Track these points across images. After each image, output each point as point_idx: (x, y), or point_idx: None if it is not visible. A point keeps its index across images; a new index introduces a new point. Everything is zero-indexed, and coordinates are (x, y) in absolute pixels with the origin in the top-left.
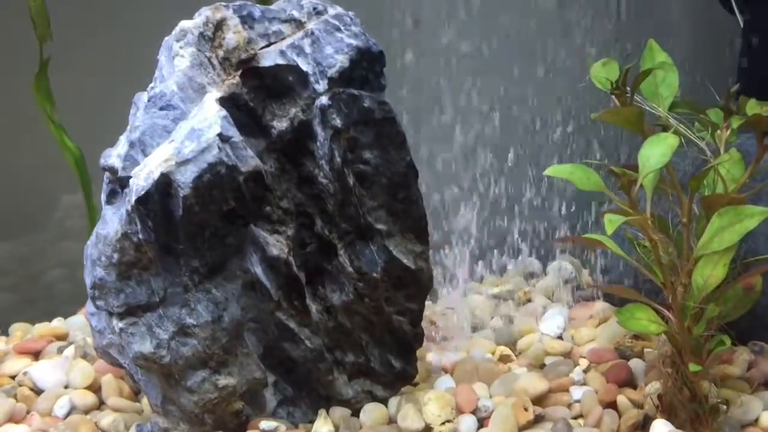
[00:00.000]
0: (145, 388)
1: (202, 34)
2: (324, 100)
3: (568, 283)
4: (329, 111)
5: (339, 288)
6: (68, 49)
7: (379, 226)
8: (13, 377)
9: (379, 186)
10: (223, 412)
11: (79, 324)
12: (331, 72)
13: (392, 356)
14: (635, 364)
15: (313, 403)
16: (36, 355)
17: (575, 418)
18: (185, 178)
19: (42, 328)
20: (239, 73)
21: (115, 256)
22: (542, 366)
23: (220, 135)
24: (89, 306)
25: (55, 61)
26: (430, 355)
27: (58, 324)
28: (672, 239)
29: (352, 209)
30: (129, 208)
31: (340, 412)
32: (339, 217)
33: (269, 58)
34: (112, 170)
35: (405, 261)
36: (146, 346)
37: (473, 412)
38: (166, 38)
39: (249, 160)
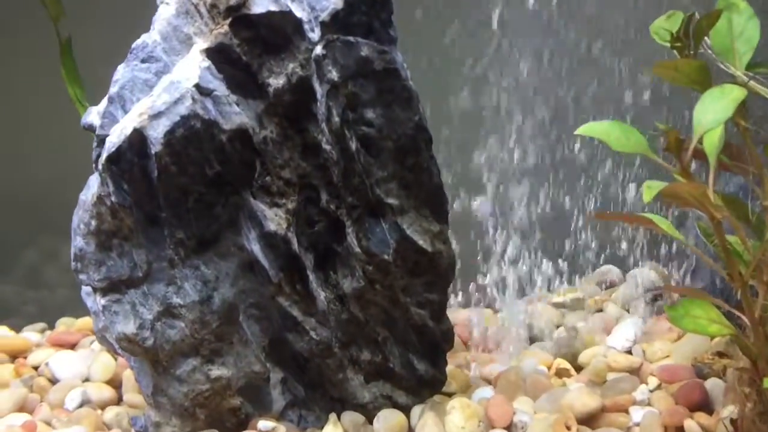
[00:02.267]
0: (137, 376)
1: None
2: (318, 49)
3: (648, 293)
4: (324, 63)
5: (350, 273)
6: (87, 29)
7: (390, 201)
8: (36, 368)
9: (387, 153)
10: (218, 408)
11: None
12: (324, 16)
13: (415, 357)
14: (712, 384)
15: (327, 406)
16: (72, 347)
17: None
18: (157, 133)
19: (83, 321)
20: (228, 21)
21: (93, 222)
22: (604, 383)
23: (197, 86)
24: (83, 290)
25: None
26: (474, 364)
27: (89, 321)
28: (750, 225)
29: (357, 179)
30: (100, 167)
31: (350, 417)
32: (344, 189)
33: (261, 4)
34: (92, 128)
35: (420, 242)
36: (129, 326)
37: (507, 428)
38: None
39: (233, 117)
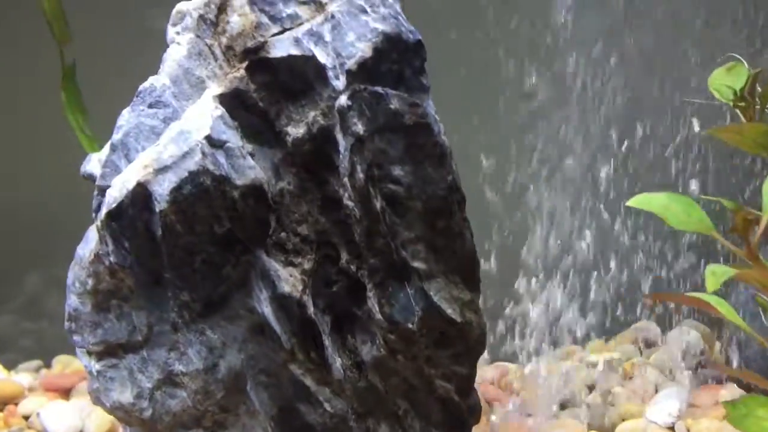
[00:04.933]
0: None
1: (202, 17)
2: (343, 99)
3: (692, 358)
4: (349, 114)
5: (370, 339)
6: (90, 51)
7: (416, 264)
8: (27, 417)
9: (415, 213)
10: None
11: None
12: (350, 64)
13: None
14: None
15: None
16: (66, 392)
17: None
18: (162, 189)
19: (80, 363)
20: (245, 65)
21: (90, 281)
22: None
23: (208, 138)
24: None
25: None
26: None
27: None
28: None
29: (381, 241)
30: (99, 224)
31: None
32: (366, 250)
33: (281, 47)
34: (92, 178)
35: (449, 311)
36: (126, 395)
37: None
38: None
39: (247, 171)
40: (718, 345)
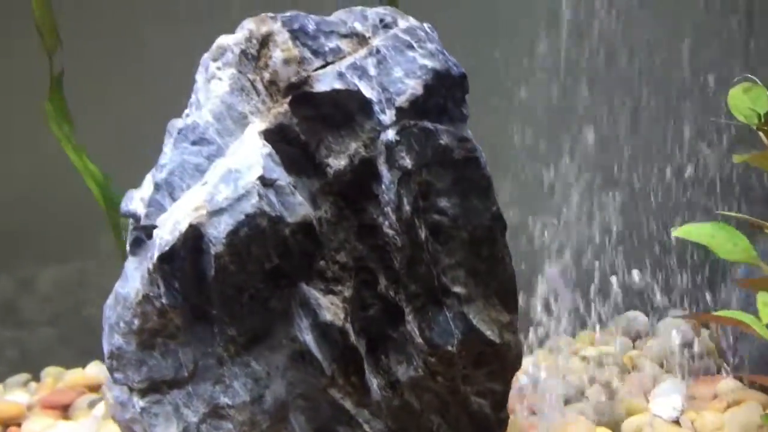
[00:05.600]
0: None
1: (244, 52)
2: (390, 134)
3: (684, 349)
4: (397, 149)
5: (406, 360)
6: (79, 57)
7: (457, 289)
8: None
9: (459, 241)
10: None
11: None
12: (400, 101)
13: None
14: None
15: None
16: (65, 409)
17: None
18: (218, 232)
19: (74, 375)
20: (288, 100)
21: (136, 321)
22: None
23: (261, 178)
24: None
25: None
26: None
27: (91, 371)
28: None
29: (423, 268)
30: (150, 266)
31: None
32: (407, 277)
33: (325, 81)
34: (135, 217)
35: (488, 333)
36: (171, 430)
37: None
38: (205, 55)
39: (297, 208)
40: (705, 333)
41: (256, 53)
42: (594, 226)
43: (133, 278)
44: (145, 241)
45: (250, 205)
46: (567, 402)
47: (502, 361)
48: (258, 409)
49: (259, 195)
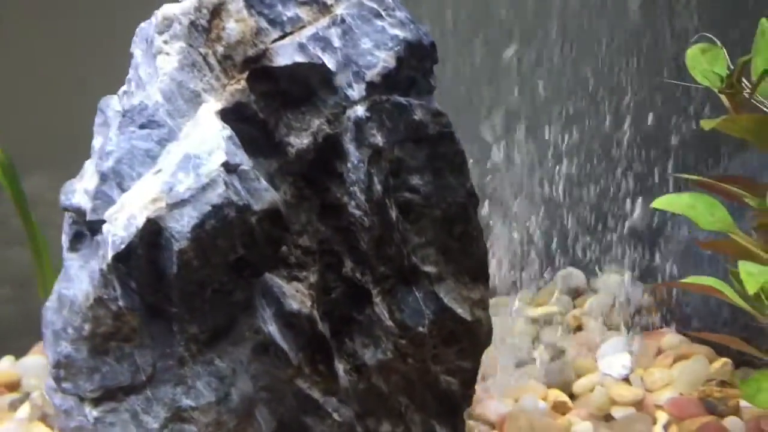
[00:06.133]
0: None
1: (193, 24)
2: (360, 111)
3: (625, 305)
4: (367, 126)
5: (373, 343)
6: None
7: (427, 269)
8: None
9: (430, 219)
10: None
11: (34, 368)
12: (371, 74)
13: (436, 422)
14: (732, 424)
15: None
16: None
17: None
18: (181, 226)
19: None
20: (245, 75)
21: (86, 326)
22: (607, 417)
23: (225, 164)
24: (50, 380)
25: None
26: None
27: (7, 367)
28: None
29: (393, 249)
30: (105, 267)
31: None
32: (375, 258)
33: (285, 54)
34: (79, 212)
35: (459, 311)
36: None
37: None
38: (142, 25)
39: (263, 194)
40: (639, 287)
41: (206, 24)
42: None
43: (79, 279)
44: (89, 237)
45: (216, 195)
46: (516, 365)
47: (473, 339)
48: (224, 409)
49: (225, 183)
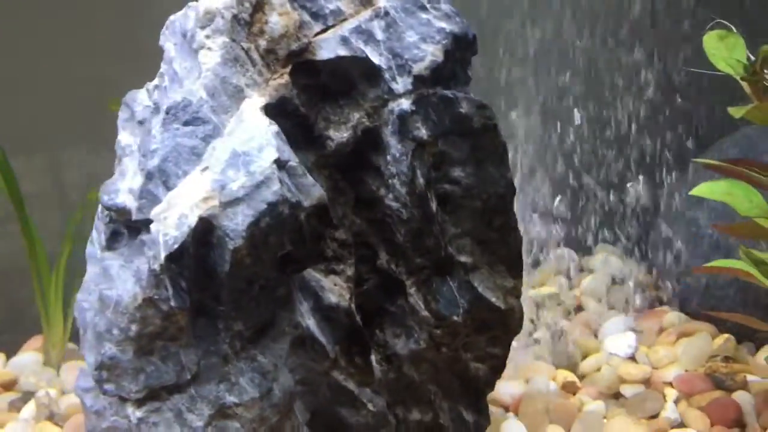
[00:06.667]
0: None
1: (236, 18)
2: (405, 104)
3: (623, 284)
4: (411, 119)
5: (405, 333)
6: None
7: (463, 259)
8: None
9: (469, 210)
10: None
11: (28, 366)
12: (418, 68)
13: (463, 408)
14: (741, 398)
15: None
16: None
17: None
18: (235, 224)
19: None
20: (288, 70)
21: (134, 327)
22: (617, 395)
23: (277, 161)
24: (81, 380)
25: None
26: None
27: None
28: None
29: (431, 240)
30: (157, 267)
31: None
32: (412, 250)
33: (328, 47)
34: (123, 211)
35: (493, 300)
36: None
37: None
38: (172, 18)
39: (311, 189)
40: (633, 265)
41: (249, 18)
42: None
43: (122, 279)
44: (126, 235)
45: (271, 193)
46: (521, 347)
47: (505, 326)
48: (267, 404)
49: (280, 180)
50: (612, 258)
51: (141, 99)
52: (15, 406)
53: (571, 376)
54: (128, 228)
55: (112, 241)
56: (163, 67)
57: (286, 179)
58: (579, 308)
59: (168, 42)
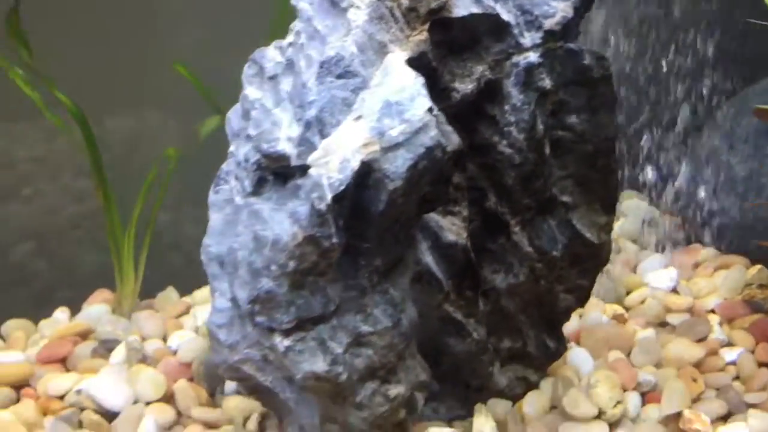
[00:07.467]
0: (294, 406)
1: None
2: (533, 57)
3: (651, 226)
4: (537, 71)
5: (504, 269)
6: None
7: (565, 198)
8: (61, 397)
9: (578, 154)
10: (389, 425)
11: (98, 316)
12: (549, 23)
13: (546, 335)
14: None
15: (460, 396)
16: (63, 362)
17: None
18: (396, 167)
19: (52, 325)
20: (427, 26)
21: (291, 263)
22: (663, 324)
23: (430, 109)
24: (215, 316)
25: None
26: None
27: (64, 317)
28: None
29: (539, 182)
30: (323, 207)
31: (497, 404)
32: (520, 192)
33: (463, 5)
34: (282, 158)
35: (588, 235)
36: (319, 365)
37: (635, 388)
38: None
39: (451, 136)
40: (655, 209)
41: None
42: None
43: (277, 220)
44: (270, 181)
45: (429, 138)
46: None
47: (596, 259)
48: (396, 333)
49: (436, 127)
50: (642, 202)
51: (272, 56)
52: (98, 353)
53: (619, 309)
54: (275, 174)
55: (258, 187)
56: (299, 25)
57: (436, 126)
58: (617, 250)
59: (302, 2)
